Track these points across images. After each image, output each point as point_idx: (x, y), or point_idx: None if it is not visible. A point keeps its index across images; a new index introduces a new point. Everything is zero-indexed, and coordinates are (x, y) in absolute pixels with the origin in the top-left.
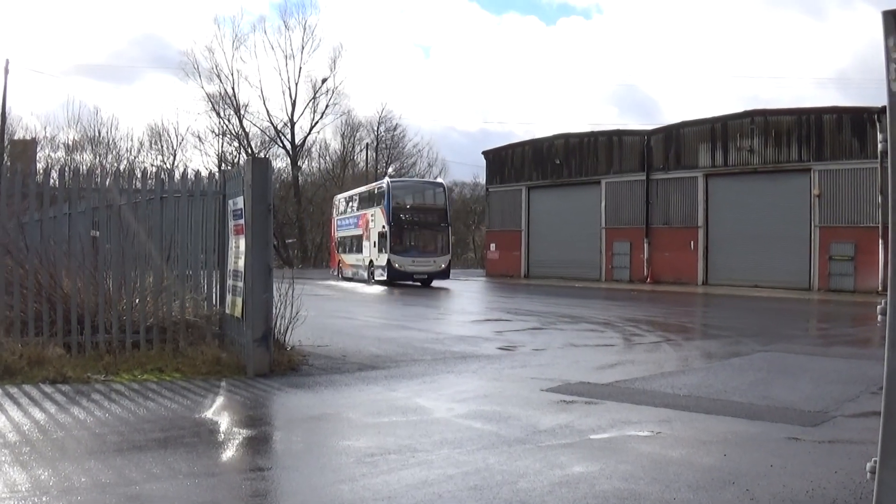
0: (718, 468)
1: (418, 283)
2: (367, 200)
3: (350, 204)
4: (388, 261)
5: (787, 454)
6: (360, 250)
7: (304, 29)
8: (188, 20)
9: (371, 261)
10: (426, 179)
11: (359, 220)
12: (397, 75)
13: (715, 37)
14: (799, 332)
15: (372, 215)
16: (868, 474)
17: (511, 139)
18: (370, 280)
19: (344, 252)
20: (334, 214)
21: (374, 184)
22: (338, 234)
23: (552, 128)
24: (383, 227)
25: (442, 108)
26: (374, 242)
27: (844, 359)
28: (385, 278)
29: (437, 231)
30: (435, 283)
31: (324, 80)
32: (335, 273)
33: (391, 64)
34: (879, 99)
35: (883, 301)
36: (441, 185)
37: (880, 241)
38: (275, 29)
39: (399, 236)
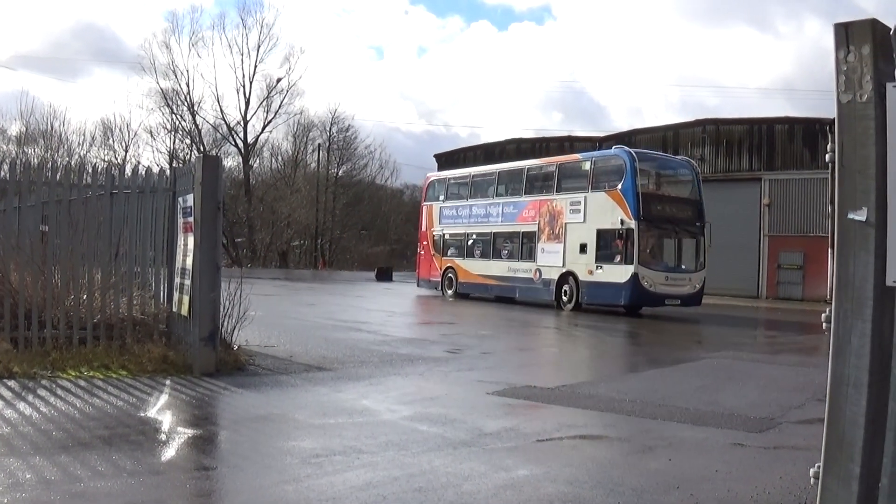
0: (663, 472)
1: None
2: (559, 179)
3: (482, 185)
4: (635, 276)
5: (733, 459)
6: (518, 256)
7: (261, 27)
8: (130, 11)
9: (568, 274)
10: (669, 155)
11: (523, 210)
12: (350, 76)
13: (662, 46)
14: (746, 340)
15: (574, 204)
16: (812, 480)
17: (457, 142)
18: (560, 305)
19: (462, 256)
20: (435, 200)
21: (584, 154)
22: (442, 228)
23: (497, 132)
24: (622, 222)
25: (389, 109)
26: (584, 245)
27: (791, 366)
28: (624, 301)
29: (692, 234)
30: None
31: (278, 80)
32: (428, 284)
33: (345, 64)
34: (825, 109)
35: (828, 309)
36: (692, 164)
37: (829, 250)
38: (231, 25)
39: (649, 239)
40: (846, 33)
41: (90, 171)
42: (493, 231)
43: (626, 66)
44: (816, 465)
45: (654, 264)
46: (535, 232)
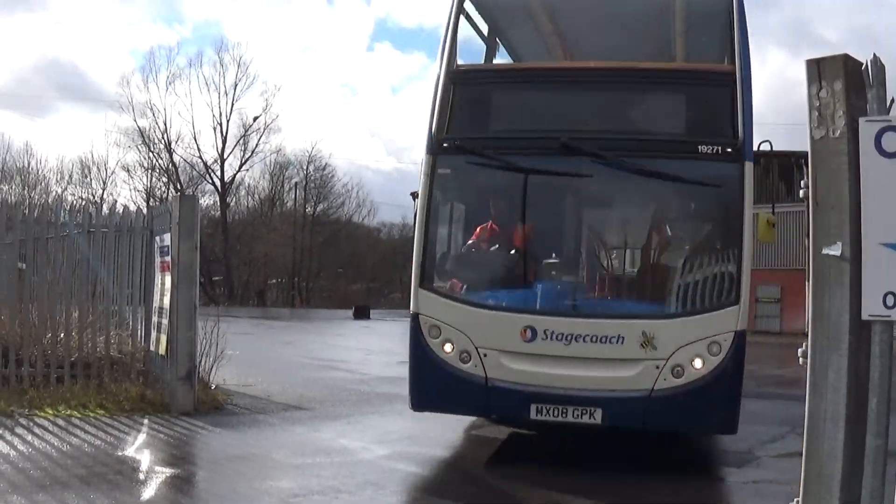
0: None
1: None
2: None
3: None
4: (415, 324)
5: (713, 494)
6: None
7: (238, 66)
8: (95, 47)
9: None
10: None
11: None
12: (325, 114)
13: None
14: None
15: None
16: None
17: None
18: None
19: None
20: None
21: None
22: None
23: None
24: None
25: (360, 147)
26: None
27: (770, 399)
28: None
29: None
30: None
31: (255, 119)
32: None
33: (320, 103)
34: (792, 141)
35: (804, 343)
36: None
37: (807, 283)
38: (208, 63)
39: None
40: (818, 69)
41: (67, 209)
42: None
43: None
44: (795, 499)
45: (482, 283)
46: None
